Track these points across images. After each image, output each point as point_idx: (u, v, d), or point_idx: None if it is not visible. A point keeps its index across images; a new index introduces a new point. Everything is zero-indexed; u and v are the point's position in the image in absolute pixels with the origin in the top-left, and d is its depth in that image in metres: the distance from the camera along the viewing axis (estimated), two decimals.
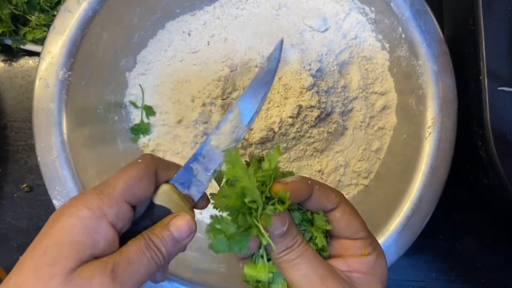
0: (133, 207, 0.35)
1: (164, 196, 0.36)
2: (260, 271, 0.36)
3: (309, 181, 0.34)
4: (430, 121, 0.57)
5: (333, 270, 0.34)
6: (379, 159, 0.63)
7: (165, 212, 0.36)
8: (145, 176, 0.35)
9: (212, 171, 0.38)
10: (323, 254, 0.36)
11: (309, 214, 0.36)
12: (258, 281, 0.36)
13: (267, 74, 0.39)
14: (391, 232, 0.56)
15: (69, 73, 0.55)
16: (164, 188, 0.37)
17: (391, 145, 0.62)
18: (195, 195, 0.38)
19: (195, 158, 0.38)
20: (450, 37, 0.64)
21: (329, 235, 0.37)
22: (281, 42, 0.40)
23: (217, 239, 0.32)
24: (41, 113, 0.54)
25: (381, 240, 0.56)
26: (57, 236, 0.31)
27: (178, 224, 0.34)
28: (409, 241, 0.56)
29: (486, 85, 0.55)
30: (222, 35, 0.62)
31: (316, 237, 0.35)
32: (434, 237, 0.70)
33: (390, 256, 0.56)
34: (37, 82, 0.54)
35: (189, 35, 0.63)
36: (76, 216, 0.32)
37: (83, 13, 0.55)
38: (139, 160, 0.36)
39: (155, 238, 0.34)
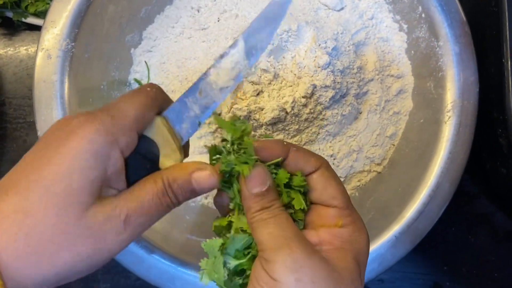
0: None
1: (155, 129, 0.34)
2: (223, 222, 0.35)
3: (284, 143, 0.34)
4: (450, 104, 0.54)
5: (302, 235, 0.32)
6: (393, 145, 0.60)
7: (151, 145, 0.34)
8: (153, 106, 0.34)
9: (206, 111, 0.36)
10: (299, 223, 0.35)
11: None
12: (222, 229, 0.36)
13: (278, 7, 0.36)
14: (406, 220, 0.53)
15: (73, 44, 0.52)
16: (157, 121, 0.34)
17: (406, 131, 0.60)
18: (185, 134, 0.36)
19: (191, 92, 0.36)
20: (470, 20, 0.62)
21: (308, 204, 0.35)
22: None
23: None
24: (42, 85, 0.51)
25: (395, 228, 0.53)
26: (68, 160, 0.28)
27: (201, 179, 0.33)
28: (425, 230, 0.53)
29: (510, 69, 0.53)
30: (233, 11, 0.59)
31: (293, 198, 0.34)
32: (446, 229, 0.67)
33: (405, 245, 0.53)
34: (39, 53, 0.52)
35: (198, 11, 0.61)
36: (88, 139, 0.29)
37: None
38: (148, 89, 0.34)
39: (175, 186, 0.32)
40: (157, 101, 0.34)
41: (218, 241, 0.34)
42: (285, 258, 0.30)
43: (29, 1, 0.61)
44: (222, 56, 0.36)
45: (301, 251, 0.30)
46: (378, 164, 0.60)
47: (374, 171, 0.60)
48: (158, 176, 0.32)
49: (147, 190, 0.32)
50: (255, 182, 0.33)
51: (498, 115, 0.55)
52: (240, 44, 0.36)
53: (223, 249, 0.34)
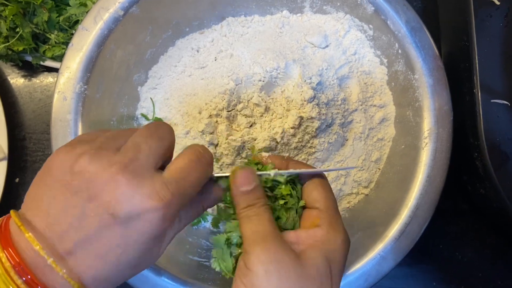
0: None
1: None
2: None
3: (285, 157, 0.41)
4: (426, 131, 0.59)
5: (279, 234, 0.36)
6: (379, 169, 0.65)
7: None
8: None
9: None
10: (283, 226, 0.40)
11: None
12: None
13: None
14: (389, 239, 0.58)
15: (85, 86, 0.59)
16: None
17: (390, 155, 0.65)
18: None
19: None
20: (447, 53, 0.67)
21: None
22: None
23: None
24: (58, 124, 0.58)
25: (380, 246, 0.58)
26: (136, 243, 0.32)
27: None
28: (407, 248, 0.58)
29: (480, 98, 0.58)
30: (228, 51, 0.65)
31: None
32: (434, 246, 0.71)
33: (388, 262, 0.58)
34: (55, 95, 0.58)
35: (198, 51, 0.67)
36: (152, 225, 0.32)
37: (99, 32, 0.59)
38: (206, 155, 0.38)
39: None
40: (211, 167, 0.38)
41: (223, 236, 0.40)
42: (259, 251, 0.34)
43: (47, 46, 0.69)
44: None
45: (274, 247, 0.34)
46: (365, 187, 0.65)
47: (361, 193, 0.65)
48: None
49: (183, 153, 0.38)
50: (243, 181, 0.38)
51: (474, 140, 0.60)
52: None
53: (228, 242, 0.40)
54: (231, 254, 0.40)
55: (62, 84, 0.58)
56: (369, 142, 0.64)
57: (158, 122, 0.39)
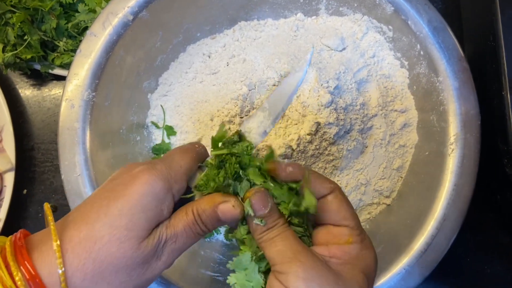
0: None
1: (195, 179, 0.40)
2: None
3: (302, 166, 0.38)
4: (452, 137, 0.56)
5: (309, 249, 0.36)
6: (401, 177, 0.61)
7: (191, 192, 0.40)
8: (199, 161, 0.40)
9: None
10: (306, 241, 0.38)
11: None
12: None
13: (297, 77, 0.43)
14: (415, 252, 0.54)
15: (94, 94, 0.57)
16: (199, 173, 0.40)
17: (413, 163, 0.61)
18: None
19: None
20: (471, 54, 0.64)
21: (314, 224, 0.39)
22: (312, 52, 0.42)
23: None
24: (66, 132, 0.56)
25: (405, 260, 0.54)
26: (132, 200, 0.34)
27: (226, 210, 0.37)
28: (434, 262, 0.54)
29: (509, 101, 0.54)
30: (241, 56, 0.63)
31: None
32: (462, 259, 0.67)
33: (414, 277, 0.54)
34: (63, 103, 0.56)
35: (209, 57, 0.65)
36: (150, 184, 0.35)
37: (108, 37, 0.57)
38: (196, 146, 0.41)
39: (204, 217, 0.37)
40: (202, 156, 0.41)
41: (246, 254, 0.38)
42: (296, 270, 0.33)
43: (55, 54, 0.67)
44: (250, 117, 0.42)
45: (311, 263, 0.34)
46: (387, 197, 0.61)
47: (383, 203, 0.62)
48: (189, 208, 0.37)
49: (179, 219, 0.37)
50: (257, 206, 0.36)
51: (503, 145, 0.56)
52: (266, 107, 0.43)
53: (255, 257, 0.38)
54: (259, 269, 0.38)
55: (70, 92, 0.57)
56: (390, 149, 0.61)
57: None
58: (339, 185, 0.59)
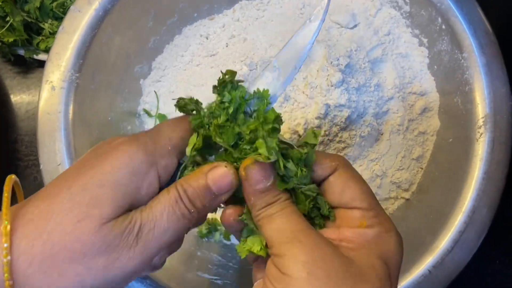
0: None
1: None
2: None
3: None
4: (480, 120, 0.49)
5: (313, 229, 0.30)
6: (421, 168, 0.55)
7: None
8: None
9: None
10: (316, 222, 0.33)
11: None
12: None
13: (308, 31, 0.34)
14: (441, 251, 0.47)
15: (77, 75, 0.51)
16: None
17: (435, 152, 0.55)
18: None
19: None
20: (499, 26, 0.57)
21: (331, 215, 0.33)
22: (329, 1, 0.34)
23: None
24: (46, 117, 0.50)
25: (428, 261, 0.47)
26: (101, 173, 0.28)
27: (217, 177, 0.31)
28: (463, 261, 0.47)
29: None
30: (241, 35, 0.57)
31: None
32: (490, 262, 0.60)
33: (440, 280, 0.47)
34: (43, 85, 0.51)
35: (207, 38, 0.60)
36: (127, 156, 0.29)
37: (94, 13, 0.52)
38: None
39: (190, 192, 0.30)
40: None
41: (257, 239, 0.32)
42: (295, 252, 0.28)
43: (40, 38, 0.62)
44: (256, 79, 0.35)
45: (313, 243, 0.28)
46: (406, 190, 0.55)
47: (401, 197, 0.55)
48: (173, 185, 0.31)
49: (160, 199, 0.30)
50: (258, 178, 0.30)
51: None
52: (275, 66, 0.35)
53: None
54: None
55: (51, 73, 0.51)
56: (409, 136, 0.55)
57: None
58: None
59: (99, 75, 0.54)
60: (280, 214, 0.30)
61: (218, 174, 0.30)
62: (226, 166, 0.31)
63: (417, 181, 0.55)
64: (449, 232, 0.48)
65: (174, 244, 0.33)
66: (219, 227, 0.57)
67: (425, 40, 0.55)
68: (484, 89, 0.49)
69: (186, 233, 0.34)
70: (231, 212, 0.33)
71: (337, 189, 0.32)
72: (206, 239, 0.57)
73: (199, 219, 0.32)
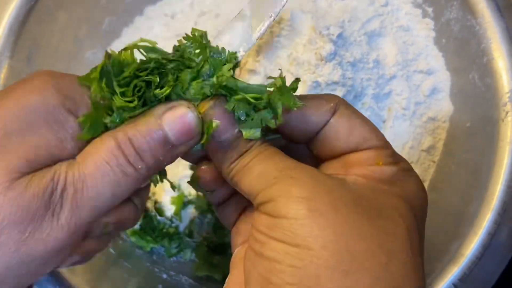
0: None
1: None
2: None
3: None
4: (505, 96, 0.40)
5: (307, 165, 0.24)
6: (433, 161, 0.46)
7: None
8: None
9: None
10: None
11: None
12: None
13: None
14: (467, 259, 0.38)
15: (9, 54, 0.42)
16: None
17: (449, 141, 0.45)
18: None
19: None
20: None
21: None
22: None
23: None
24: None
25: (453, 272, 0.38)
26: (6, 114, 0.23)
27: (174, 121, 0.25)
28: (495, 271, 0.37)
29: None
30: (213, 12, 0.49)
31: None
32: None
33: None
34: None
35: (173, 18, 0.51)
36: (40, 94, 0.23)
37: None
38: None
39: (138, 138, 0.24)
40: None
41: None
42: (288, 189, 0.23)
43: None
44: (223, 29, 0.29)
45: (309, 177, 0.23)
46: None
47: None
48: (115, 131, 0.25)
49: (91, 150, 0.24)
50: (222, 126, 0.25)
51: None
52: (246, 14, 0.29)
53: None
54: None
55: None
56: (416, 123, 0.45)
57: None
58: None
59: (38, 57, 0.45)
60: (259, 159, 0.24)
61: (178, 115, 0.24)
62: (188, 107, 0.25)
63: (429, 178, 0.46)
64: (476, 236, 0.38)
65: (122, 212, 0.26)
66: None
67: (429, 10, 0.47)
68: (505, 58, 0.41)
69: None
70: (208, 168, 0.27)
71: (343, 130, 0.26)
72: (175, 259, 0.47)
73: (149, 177, 0.25)
